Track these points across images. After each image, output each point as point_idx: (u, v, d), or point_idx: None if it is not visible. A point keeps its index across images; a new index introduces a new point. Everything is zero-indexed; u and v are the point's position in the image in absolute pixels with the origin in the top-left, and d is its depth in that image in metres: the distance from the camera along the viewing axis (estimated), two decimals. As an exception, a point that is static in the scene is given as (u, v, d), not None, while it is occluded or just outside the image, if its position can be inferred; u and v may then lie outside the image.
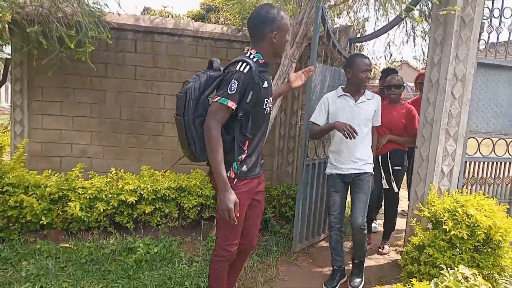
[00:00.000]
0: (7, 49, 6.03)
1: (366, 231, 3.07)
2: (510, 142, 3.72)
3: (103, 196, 3.50)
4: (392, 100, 3.81)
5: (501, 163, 3.68)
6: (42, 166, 3.95)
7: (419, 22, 3.33)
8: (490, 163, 3.66)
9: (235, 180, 2.14)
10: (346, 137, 2.79)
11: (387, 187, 3.73)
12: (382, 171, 3.73)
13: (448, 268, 2.00)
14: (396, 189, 3.74)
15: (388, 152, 3.72)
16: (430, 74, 3.32)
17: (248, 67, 2.03)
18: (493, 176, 3.67)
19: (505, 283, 2.29)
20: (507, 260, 2.54)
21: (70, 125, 4.20)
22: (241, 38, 4.31)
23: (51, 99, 4.14)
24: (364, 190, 3.06)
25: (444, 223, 2.58)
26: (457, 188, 3.30)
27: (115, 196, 3.49)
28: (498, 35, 3.41)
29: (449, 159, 3.27)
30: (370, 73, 3.09)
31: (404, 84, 3.88)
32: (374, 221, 4.37)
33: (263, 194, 2.45)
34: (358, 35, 4.29)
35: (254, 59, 2.13)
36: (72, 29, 3.44)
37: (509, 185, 3.74)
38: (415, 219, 3.10)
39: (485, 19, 3.30)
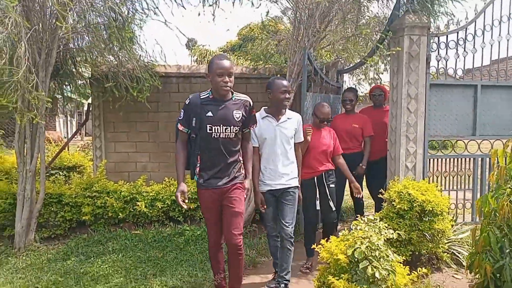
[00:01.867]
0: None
1: (292, 241, 3.31)
2: (467, 142, 4.72)
3: (160, 197, 4.87)
4: (348, 110, 4.76)
5: (461, 159, 4.69)
6: (116, 178, 5.41)
7: (375, 62, 4.45)
8: (453, 159, 4.68)
9: (198, 188, 2.97)
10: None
11: (319, 208, 3.83)
12: (317, 192, 3.80)
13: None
14: (333, 207, 3.87)
15: (323, 173, 3.83)
16: (391, 94, 4.45)
17: (188, 100, 2.82)
18: (456, 170, 4.67)
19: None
20: (441, 224, 3.58)
21: (134, 148, 5.69)
22: (256, 76, 5.64)
23: (120, 130, 5.65)
24: (291, 202, 3.33)
25: (393, 200, 3.67)
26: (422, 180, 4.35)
27: (169, 197, 4.86)
28: (446, 62, 4.49)
29: (411, 157, 4.33)
30: (289, 94, 3.36)
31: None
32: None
33: (236, 200, 2.89)
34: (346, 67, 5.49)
35: (206, 95, 2.83)
36: (133, 81, 4.92)
37: (470, 176, 4.71)
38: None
39: (433, 51, 4.40)
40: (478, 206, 3.00)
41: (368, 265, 2.46)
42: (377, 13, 4.71)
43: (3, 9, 3.53)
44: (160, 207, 4.83)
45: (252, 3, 4.53)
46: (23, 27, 3.61)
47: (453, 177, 4.66)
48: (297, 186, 3.41)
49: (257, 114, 3.29)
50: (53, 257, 4.10)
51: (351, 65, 5.31)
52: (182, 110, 2.86)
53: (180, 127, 2.87)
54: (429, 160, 4.51)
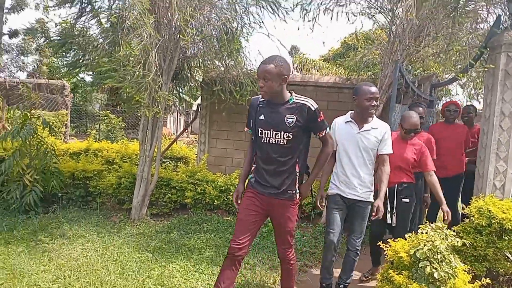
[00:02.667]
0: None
1: (358, 252, 3.29)
2: None
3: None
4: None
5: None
6: (214, 170, 6.16)
7: (461, 77, 4.43)
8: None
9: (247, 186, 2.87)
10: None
11: (390, 222, 3.66)
12: (388, 206, 3.63)
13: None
14: (393, 222, 3.64)
15: (396, 185, 3.70)
16: (484, 111, 4.39)
17: (250, 102, 2.84)
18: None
19: None
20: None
21: (232, 146, 6.40)
22: (349, 85, 5.93)
23: (222, 129, 6.41)
24: (362, 216, 3.21)
25: (472, 216, 3.70)
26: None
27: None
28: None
29: (500, 176, 4.25)
30: (376, 101, 3.15)
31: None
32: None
33: (282, 218, 2.77)
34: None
35: (262, 98, 2.75)
36: (237, 86, 5.60)
37: None
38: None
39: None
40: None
41: (428, 265, 2.66)
42: (476, 26, 4.66)
43: (141, 24, 4.43)
44: (249, 199, 5.41)
45: (348, 19, 4.85)
46: (154, 39, 4.47)
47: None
48: (371, 202, 3.20)
49: (342, 118, 3.27)
50: (159, 229, 4.93)
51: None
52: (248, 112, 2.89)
53: (246, 128, 2.95)
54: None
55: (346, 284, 3.35)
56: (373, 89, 3.14)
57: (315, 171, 2.85)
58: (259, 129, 2.69)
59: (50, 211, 5.27)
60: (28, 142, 5.13)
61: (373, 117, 3.22)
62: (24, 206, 5.00)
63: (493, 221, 3.53)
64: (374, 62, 5.58)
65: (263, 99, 2.74)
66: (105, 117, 13.09)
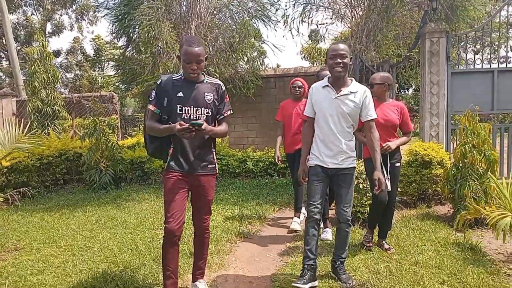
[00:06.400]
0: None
1: (350, 223, 3.08)
2: (489, 115, 5.99)
3: (262, 159, 7.34)
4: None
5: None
6: (234, 147, 8.05)
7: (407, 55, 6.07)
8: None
9: (166, 171, 2.80)
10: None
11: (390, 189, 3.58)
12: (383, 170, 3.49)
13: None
14: (389, 187, 3.57)
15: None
16: (421, 82, 6.02)
17: (159, 80, 2.74)
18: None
19: None
20: (439, 171, 5.19)
21: (246, 128, 8.28)
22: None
23: (237, 116, 8.29)
24: (348, 185, 3.02)
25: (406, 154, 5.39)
26: (445, 144, 5.86)
27: (267, 159, 7.29)
28: (466, 54, 5.86)
29: (434, 128, 5.89)
30: (342, 59, 2.85)
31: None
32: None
33: (205, 189, 2.87)
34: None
35: (178, 76, 2.75)
36: (244, 83, 7.45)
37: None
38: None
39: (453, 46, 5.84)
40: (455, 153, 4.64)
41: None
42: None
43: (171, 50, 6.32)
44: (261, 166, 7.30)
45: (317, 26, 6.58)
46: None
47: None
48: (354, 167, 3.06)
49: (319, 82, 3.09)
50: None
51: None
52: (153, 91, 2.77)
53: (151, 107, 2.75)
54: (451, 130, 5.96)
55: (343, 259, 3.14)
56: (338, 46, 2.92)
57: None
58: (178, 106, 2.72)
59: (119, 187, 7.35)
60: (99, 140, 7.19)
61: (351, 80, 3.03)
62: (102, 184, 7.08)
63: (417, 157, 5.23)
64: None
65: (177, 78, 2.78)
66: (142, 119, 15.29)
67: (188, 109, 2.70)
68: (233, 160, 7.44)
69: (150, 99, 2.76)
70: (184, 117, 2.69)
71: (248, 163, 7.37)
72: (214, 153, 2.94)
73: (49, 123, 9.34)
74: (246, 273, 3.45)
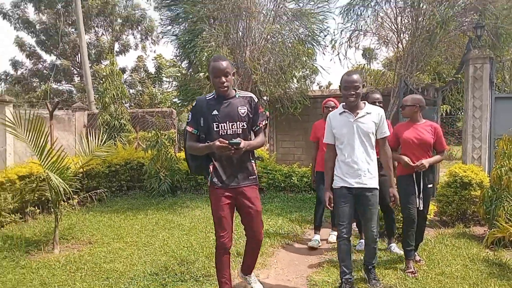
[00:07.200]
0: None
1: (377, 241, 3.32)
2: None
3: (306, 175, 7.76)
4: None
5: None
6: (281, 163, 8.53)
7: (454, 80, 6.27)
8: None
9: (210, 187, 2.93)
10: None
11: (418, 206, 3.74)
12: (416, 190, 3.72)
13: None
14: (421, 207, 3.75)
15: (422, 171, 3.73)
16: (464, 106, 6.19)
17: (194, 102, 2.87)
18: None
19: None
20: (478, 192, 5.33)
21: (293, 145, 8.76)
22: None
23: (284, 133, 8.81)
24: (373, 204, 3.18)
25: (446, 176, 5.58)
26: (487, 166, 5.96)
27: (306, 174, 7.71)
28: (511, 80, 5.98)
29: (477, 151, 6.02)
30: (355, 90, 3.07)
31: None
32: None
33: (251, 200, 2.99)
34: None
35: (211, 96, 2.88)
36: (292, 102, 7.96)
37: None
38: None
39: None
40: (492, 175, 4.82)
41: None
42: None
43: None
44: (305, 181, 7.72)
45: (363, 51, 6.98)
46: (237, 79, 7.02)
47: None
48: (376, 188, 3.21)
49: (335, 111, 3.34)
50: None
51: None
52: (190, 113, 2.91)
53: (189, 129, 2.88)
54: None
55: (373, 264, 3.41)
56: (351, 77, 3.11)
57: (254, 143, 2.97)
58: (215, 124, 2.85)
59: (176, 195, 8.08)
60: (160, 151, 8.00)
61: (364, 104, 3.25)
62: (161, 192, 7.84)
63: (456, 178, 5.42)
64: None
65: (210, 97, 2.91)
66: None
67: (224, 125, 2.81)
68: (279, 174, 7.92)
69: (188, 121, 2.91)
70: (221, 133, 2.80)
71: (293, 178, 7.82)
72: (254, 164, 3.03)
73: (116, 135, 10.44)
74: (286, 273, 3.90)
